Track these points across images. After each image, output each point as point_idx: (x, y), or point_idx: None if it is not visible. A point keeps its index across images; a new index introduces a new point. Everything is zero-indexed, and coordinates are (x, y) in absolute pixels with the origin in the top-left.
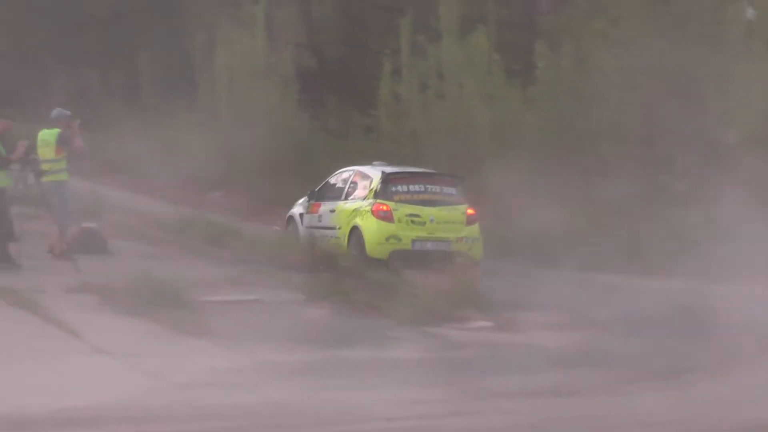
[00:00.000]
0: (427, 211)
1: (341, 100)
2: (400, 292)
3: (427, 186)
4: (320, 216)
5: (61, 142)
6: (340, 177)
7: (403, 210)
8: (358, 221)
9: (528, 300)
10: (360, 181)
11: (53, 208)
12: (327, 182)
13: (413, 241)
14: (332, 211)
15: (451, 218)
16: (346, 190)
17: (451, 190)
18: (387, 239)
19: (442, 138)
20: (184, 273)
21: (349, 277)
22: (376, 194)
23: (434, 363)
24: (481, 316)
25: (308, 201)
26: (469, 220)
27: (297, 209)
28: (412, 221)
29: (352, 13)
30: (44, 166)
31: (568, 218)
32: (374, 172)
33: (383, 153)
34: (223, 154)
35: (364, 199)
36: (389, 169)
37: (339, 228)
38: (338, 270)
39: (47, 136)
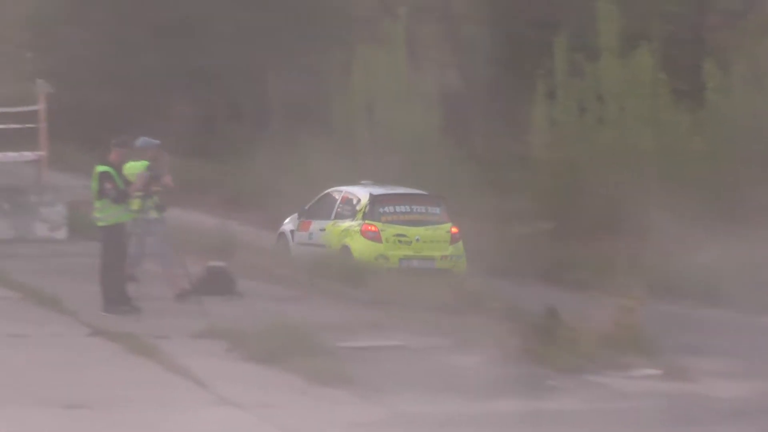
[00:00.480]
0: (413, 231)
1: (490, 126)
2: (558, 336)
3: (413, 206)
4: (311, 234)
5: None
6: (329, 196)
7: (391, 230)
8: (348, 241)
9: (699, 345)
10: (349, 202)
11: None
12: (317, 201)
13: (401, 260)
14: (322, 229)
15: (436, 237)
16: (335, 209)
17: (436, 210)
18: (376, 258)
19: (602, 166)
20: (319, 316)
21: (501, 319)
22: (365, 215)
23: (599, 415)
24: (647, 363)
25: (299, 218)
26: (453, 239)
27: (288, 226)
28: (399, 241)
29: (503, 29)
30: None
31: (743, 255)
32: (362, 193)
33: (536, 184)
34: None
35: (353, 219)
36: (377, 191)
37: (329, 247)
38: (488, 312)
39: (137, 169)
